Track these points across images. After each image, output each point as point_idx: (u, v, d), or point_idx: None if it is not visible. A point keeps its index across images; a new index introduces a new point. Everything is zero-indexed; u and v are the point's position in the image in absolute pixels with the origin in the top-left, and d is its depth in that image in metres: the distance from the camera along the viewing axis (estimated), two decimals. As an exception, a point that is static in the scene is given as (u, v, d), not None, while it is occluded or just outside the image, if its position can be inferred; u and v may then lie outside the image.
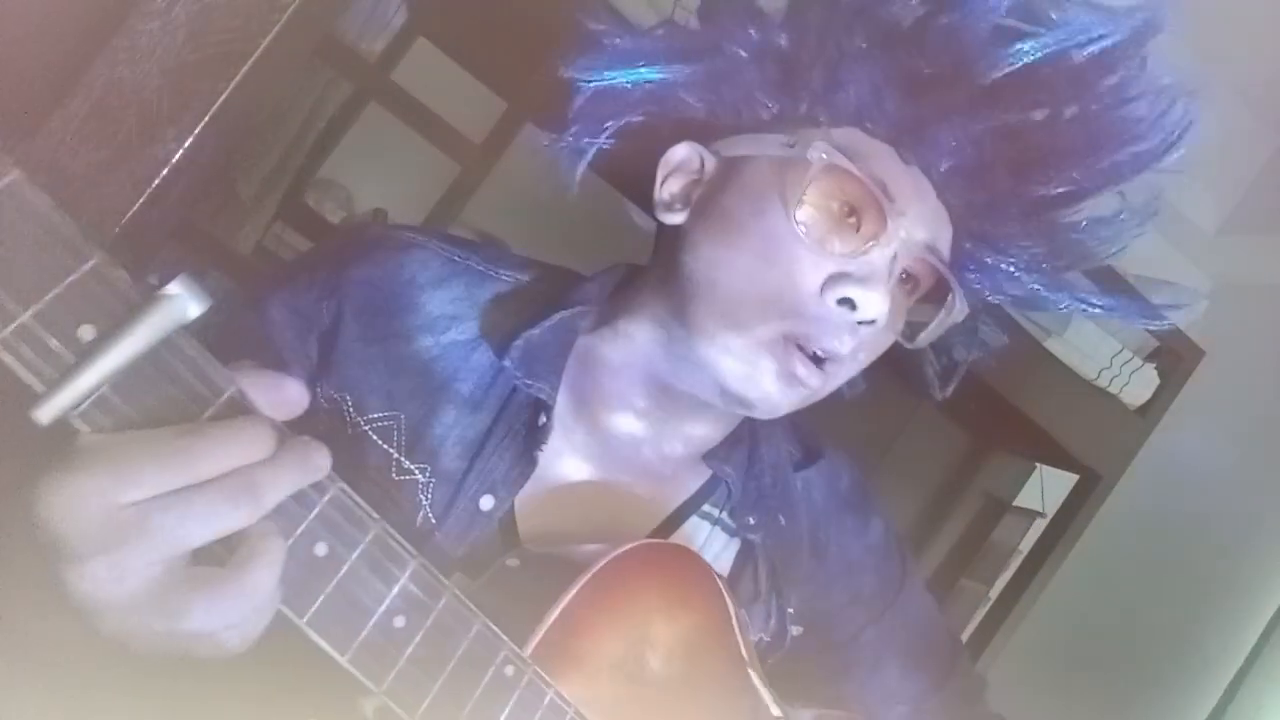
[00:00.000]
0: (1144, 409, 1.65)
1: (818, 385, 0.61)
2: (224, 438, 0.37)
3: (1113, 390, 1.61)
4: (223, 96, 0.92)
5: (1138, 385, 1.62)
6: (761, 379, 0.60)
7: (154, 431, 0.36)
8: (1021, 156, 0.61)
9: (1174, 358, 1.66)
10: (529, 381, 0.64)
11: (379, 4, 1.82)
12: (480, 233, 2.13)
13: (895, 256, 0.59)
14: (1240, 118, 2.01)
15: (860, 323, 0.59)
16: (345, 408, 0.64)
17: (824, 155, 0.58)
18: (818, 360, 0.60)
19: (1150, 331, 1.64)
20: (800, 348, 0.60)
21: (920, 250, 0.61)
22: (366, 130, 2.15)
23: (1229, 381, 1.76)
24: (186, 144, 0.92)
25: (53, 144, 0.89)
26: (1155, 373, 1.64)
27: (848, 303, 0.59)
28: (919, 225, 0.60)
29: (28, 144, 0.88)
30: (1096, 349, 1.59)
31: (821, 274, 0.59)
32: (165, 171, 0.92)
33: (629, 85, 0.63)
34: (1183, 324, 1.68)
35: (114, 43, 0.88)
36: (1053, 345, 1.58)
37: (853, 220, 0.60)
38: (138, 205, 0.92)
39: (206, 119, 0.91)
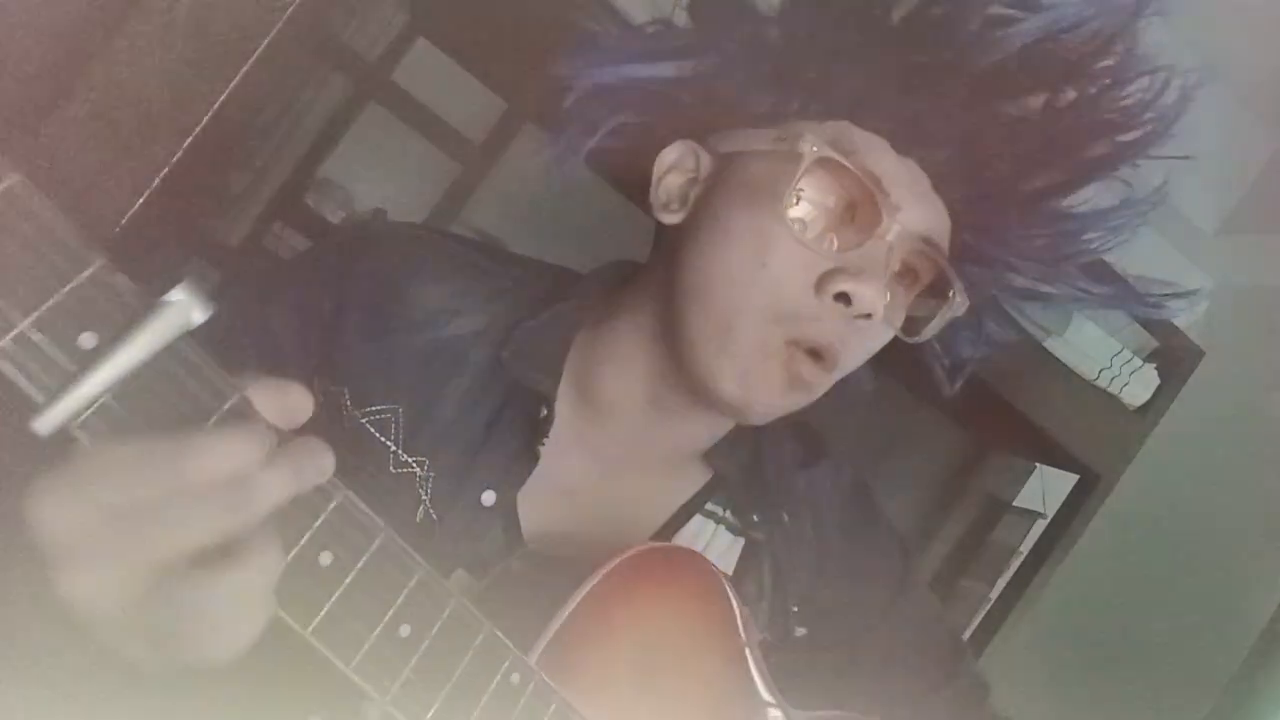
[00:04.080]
0: (1144, 409, 1.65)
1: (821, 383, 0.61)
2: (216, 444, 0.36)
3: (1113, 390, 1.61)
4: (223, 96, 0.91)
5: (1138, 385, 1.62)
6: (765, 387, 0.60)
7: (145, 440, 0.35)
8: (1018, 146, 0.61)
9: (1174, 358, 1.66)
10: (527, 374, 0.64)
11: (379, 4, 1.81)
12: (480, 233, 2.13)
13: (891, 249, 0.59)
14: (1240, 118, 2.01)
15: (857, 317, 0.58)
16: (343, 400, 0.64)
17: (814, 149, 0.57)
18: (818, 357, 0.60)
19: (1150, 331, 1.64)
20: (803, 347, 0.59)
21: (917, 243, 0.60)
22: (366, 130, 2.15)
23: (1229, 381, 1.75)
24: (186, 144, 0.92)
25: (53, 144, 0.89)
26: (1155, 373, 1.64)
27: (843, 298, 0.58)
28: (915, 218, 0.60)
29: (28, 144, 0.88)
30: (1096, 349, 1.59)
31: (816, 270, 0.59)
32: (165, 171, 0.92)
33: (621, 83, 0.63)
34: (1183, 323, 1.68)
35: (114, 43, 0.87)
36: (1053, 345, 1.57)
37: (848, 214, 0.60)
38: (138, 205, 0.92)
39: (206, 119, 0.91)
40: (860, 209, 0.60)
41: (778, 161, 0.59)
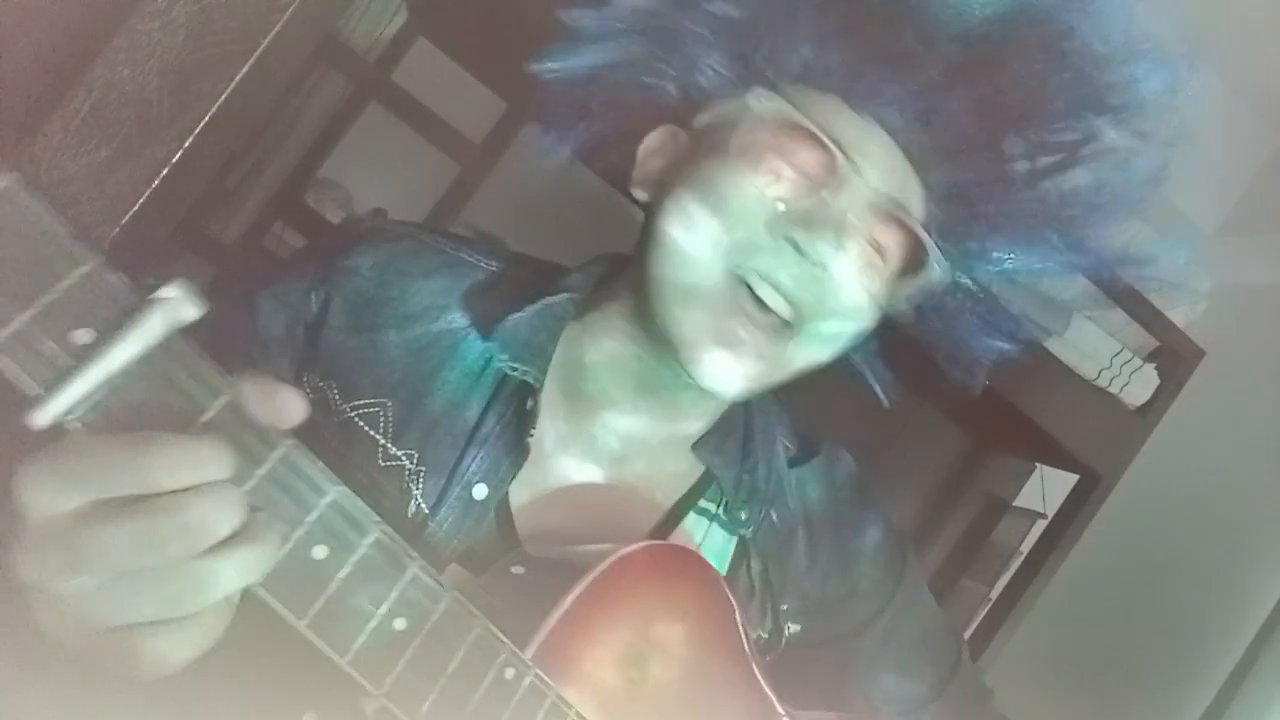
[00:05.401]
0: (1144, 409, 1.65)
1: (762, 349, 0.61)
2: (181, 452, 0.35)
3: (1113, 390, 1.61)
4: (223, 96, 0.91)
5: (1138, 385, 1.62)
6: (703, 344, 0.60)
7: (113, 437, 0.35)
8: (991, 114, 0.61)
9: (1174, 358, 1.66)
10: (515, 365, 0.64)
11: (379, 4, 1.82)
12: (480, 232, 2.13)
13: (849, 206, 0.60)
14: (1240, 118, 2.01)
15: (813, 266, 0.59)
16: (331, 395, 0.64)
17: (765, 101, 0.59)
18: (779, 319, 0.60)
19: (1150, 331, 1.64)
20: (751, 290, 0.59)
21: (881, 200, 0.61)
22: (366, 130, 2.15)
23: (1229, 381, 1.76)
24: (186, 144, 0.92)
25: (53, 144, 0.89)
26: (1155, 373, 1.64)
27: (794, 244, 0.59)
28: (875, 174, 0.60)
29: (28, 144, 0.88)
30: (1096, 349, 1.59)
31: (769, 211, 0.60)
32: (165, 171, 0.92)
33: (586, 72, 0.64)
34: (1182, 323, 1.68)
35: (114, 43, 0.88)
36: (1053, 345, 1.57)
37: (807, 172, 0.61)
38: (138, 205, 0.92)
39: (206, 119, 0.91)
40: (814, 162, 0.60)
41: (734, 119, 0.61)
